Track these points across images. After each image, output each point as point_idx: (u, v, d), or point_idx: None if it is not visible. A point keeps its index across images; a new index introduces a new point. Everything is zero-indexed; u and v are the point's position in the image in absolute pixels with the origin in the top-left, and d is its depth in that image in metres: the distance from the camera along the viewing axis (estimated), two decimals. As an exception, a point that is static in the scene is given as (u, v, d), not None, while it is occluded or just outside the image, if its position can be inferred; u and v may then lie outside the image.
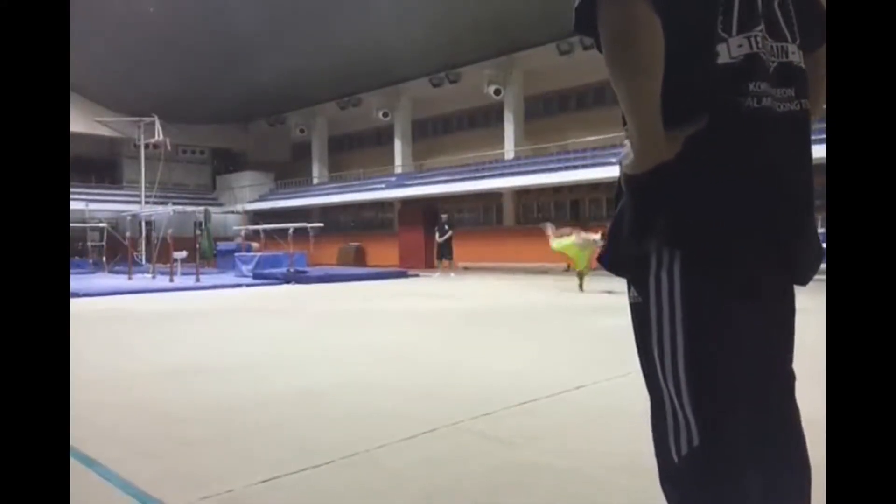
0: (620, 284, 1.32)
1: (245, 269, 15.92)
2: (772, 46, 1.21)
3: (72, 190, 12.64)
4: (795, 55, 1.27)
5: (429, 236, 20.94)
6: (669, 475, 1.24)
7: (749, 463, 1.17)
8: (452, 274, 16.62)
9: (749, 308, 1.16)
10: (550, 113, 23.63)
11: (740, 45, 1.15)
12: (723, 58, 1.13)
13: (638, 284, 1.21)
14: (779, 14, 1.24)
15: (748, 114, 1.14)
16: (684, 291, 1.13)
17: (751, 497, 1.16)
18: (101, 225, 22.02)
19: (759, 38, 1.17)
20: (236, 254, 17.70)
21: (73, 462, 2.20)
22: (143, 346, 5.71)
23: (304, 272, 15.26)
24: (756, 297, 1.17)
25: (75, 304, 8.43)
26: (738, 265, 1.14)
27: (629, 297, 1.27)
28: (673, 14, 1.08)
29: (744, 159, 1.14)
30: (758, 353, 1.19)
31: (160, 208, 21.07)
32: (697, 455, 1.15)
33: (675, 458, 1.20)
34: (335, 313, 6.15)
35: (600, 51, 1.18)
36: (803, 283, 1.30)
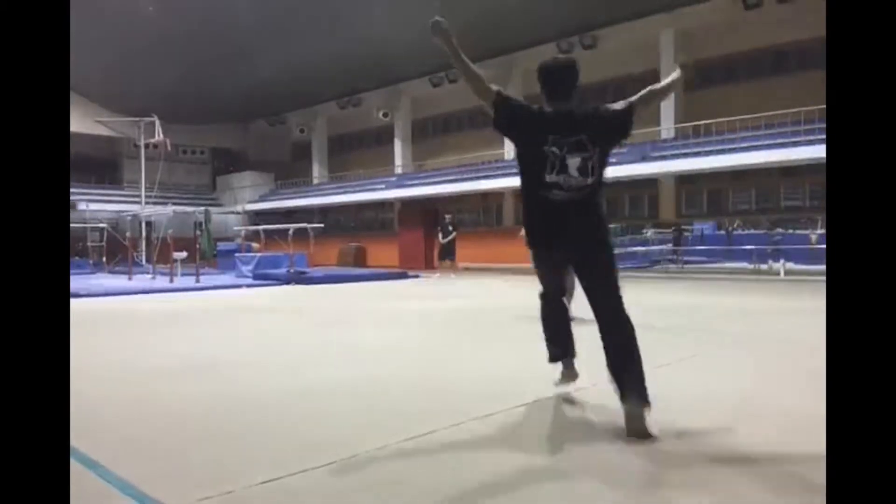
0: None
1: (245, 269, 15.91)
2: (565, 178, 2.92)
3: (72, 190, 12.66)
4: (576, 179, 2.93)
5: (429, 237, 20.92)
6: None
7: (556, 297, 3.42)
8: (453, 275, 16.49)
9: (541, 263, 3.29)
10: (550, 113, 23.62)
11: (551, 177, 2.93)
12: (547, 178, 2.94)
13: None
14: (571, 166, 2.92)
15: (549, 200, 2.96)
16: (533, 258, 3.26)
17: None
18: (101, 225, 22.00)
19: (561, 176, 2.92)
20: (236, 254, 17.69)
21: (73, 462, 2.19)
22: (142, 346, 5.71)
23: (304, 273, 15.25)
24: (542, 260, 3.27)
25: (75, 305, 8.43)
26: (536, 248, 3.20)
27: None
28: (524, 161, 3.17)
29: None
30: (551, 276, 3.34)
31: (160, 208, 21.07)
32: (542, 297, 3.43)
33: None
34: (335, 314, 6.15)
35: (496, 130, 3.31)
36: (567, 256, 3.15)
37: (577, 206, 2.93)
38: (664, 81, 3.27)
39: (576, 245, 3.03)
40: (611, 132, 3.07)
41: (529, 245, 3.20)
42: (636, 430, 2.75)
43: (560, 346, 3.38)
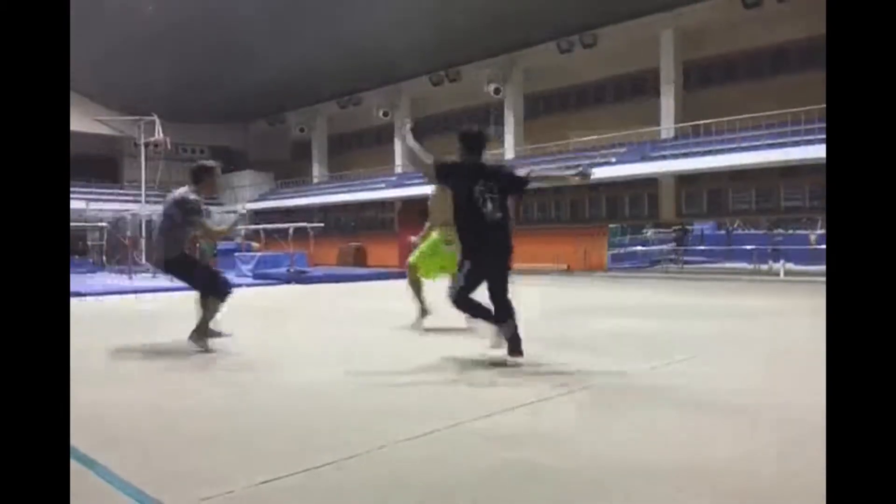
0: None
1: (245, 268, 15.91)
2: (489, 211, 4.37)
3: (72, 189, 12.63)
4: (493, 212, 4.38)
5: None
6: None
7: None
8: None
9: (477, 267, 4.43)
10: (550, 112, 23.59)
11: (484, 209, 4.36)
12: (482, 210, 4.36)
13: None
14: (490, 200, 4.37)
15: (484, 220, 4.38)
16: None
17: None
18: (101, 224, 21.98)
19: (486, 208, 4.36)
20: (236, 254, 17.68)
21: (73, 462, 2.19)
22: (142, 345, 5.71)
23: (304, 272, 15.25)
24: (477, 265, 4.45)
25: (75, 304, 8.42)
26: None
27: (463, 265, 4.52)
28: (459, 192, 4.50)
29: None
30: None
31: (160, 207, 21.03)
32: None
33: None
34: (335, 313, 6.14)
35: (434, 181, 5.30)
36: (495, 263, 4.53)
37: (497, 229, 4.43)
38: (561, 174, 5.24)
39: (499, 255, 4.53)
40: (510, 187, 4.61)
41: (468, 256, 4.52)
42: (516, 351, 4.41)
43: (488, 312, 4.54)
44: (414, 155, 4.67)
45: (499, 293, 4.47)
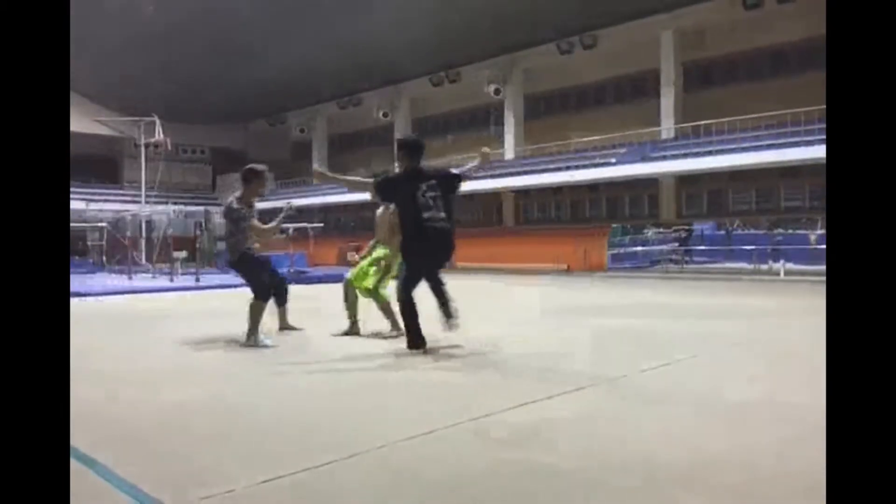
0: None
1: (245, 268, 15.89)
2: (433, 213, 4.72)
3: (72, 190, 12.65)
4: (438, 213, 4.76)
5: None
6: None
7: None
8: None
9: (419, 271, 4.90)
10: (550, 113, 23.61)
11: (427, 213, 4.70)
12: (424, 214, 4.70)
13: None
14: (432, 201, 4.74)
15: (427, 227, 4.72)
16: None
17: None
18: (101, 225, 21.99)
19: (431, 212, 4.72)
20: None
21: (73, 462, 2.19)
22: (142, 345, 5.71)
23: (304, 272, 15.25)
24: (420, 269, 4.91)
25: (75, 304, 8.43)
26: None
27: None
28: (403, 199, 4.85)
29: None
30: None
31: (160, 208, 21.05)
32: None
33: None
34: (335, 313, 6.14)
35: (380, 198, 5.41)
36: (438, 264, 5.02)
37: (443, 231, 4.79)
38: (475, 164, 5.37)
39: (442, 254, 4.97)
40: (448, 187, 4.92)
41: (411, 259, 4.92)
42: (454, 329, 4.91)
43: (420, 332, 4.87)
44: (353, 184, 5.28)
45: (439, 287, 4.94)
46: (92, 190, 27.27)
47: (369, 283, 5.74)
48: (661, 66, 19.70)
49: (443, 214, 4.76)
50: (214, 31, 22.22)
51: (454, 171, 5.11)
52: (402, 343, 5.08)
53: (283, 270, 15.28)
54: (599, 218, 20.68)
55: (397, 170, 5.13)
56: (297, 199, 28.34)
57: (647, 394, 3.59)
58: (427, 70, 24.42)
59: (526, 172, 21.04)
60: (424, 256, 4.87)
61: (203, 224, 18.15)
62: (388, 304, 5.66)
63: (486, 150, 5.42)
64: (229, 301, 10.35)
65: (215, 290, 12.28)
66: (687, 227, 18.80)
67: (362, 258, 5.99)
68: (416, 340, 4.85)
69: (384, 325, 5.78)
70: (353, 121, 29.26)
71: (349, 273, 6.00)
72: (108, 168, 31.65)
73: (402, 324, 5.22)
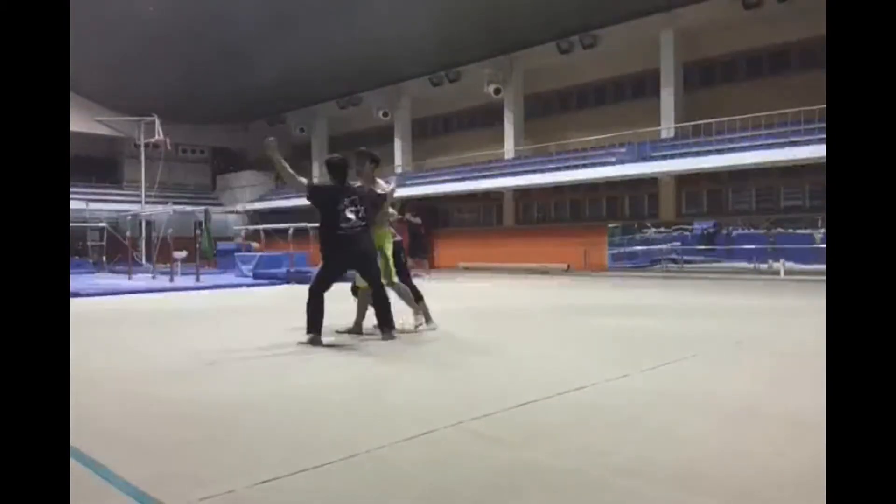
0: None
1: (245, 269, 15.91)
2: (350, 223, 5.48)
3: (72, 190, 12.66)
4: (359, 215, 5.53)
5: (428, 236, 20.88)
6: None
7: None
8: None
9: (333, 272, 5.59)
10: (550, 112, 23.60)
11: (343, 224, 5.46)
12: (340, 223, 5.47)
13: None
14: (352, 214, 5.50)
15: (339, 235, 5.49)
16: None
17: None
18: (101, 225, 21.99)
19: (347, 222, 5.47)
20: (236, 254, 17.68)
21: (73, 462, 2.19)
22: (143, 346, 5.71)
23: (304, 272, 15.25)
24: (333, 270, 5.62)
25: (75, 304, 8.43)
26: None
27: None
28: (324, 207, 5.54)
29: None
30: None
31: (160, 208, 21.05)
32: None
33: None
34: (335, 313, 6.15)
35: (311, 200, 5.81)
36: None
37: (357, 237, 5.53)
38: (394, 186, 6.29)
39: (359, 258, 5.64)
40: (371, 203, 5.70)
41: (325, 262, 5.56)
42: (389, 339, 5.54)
43: (320, 325, 5.42)
44: (290, 178, 5.63)
45: (381, 297, 5.71)
46: (92, 190, 27.26)
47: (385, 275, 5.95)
48: (661, 65, 19.68)
49: (361, 223, 5.52)
50: (215, 32, 22.20)
51: (379, 190, 5.89)
52: (403, 344, 5.09)
53: (283, 270, 15.33)
54: (599, 217, 20.67)
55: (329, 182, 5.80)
56: (297, 200, 28.43)
57: (647, 393, 3.59)
58: (427, 70, 24.39)
59: (526, 172, 21.03)
60: (335, 261, 5.59)
61: (203, 224, 18.14)
62: (409, 293, 6.14)
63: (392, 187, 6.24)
64: (230, 301, 10.36)
65: (216, 290, 12.30)
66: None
67: None
68: (312, 329, 5.38)
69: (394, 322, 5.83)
70: (353, 121, 29.23)
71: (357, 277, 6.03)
72: (108, 168, 31.63)
73: (409, 320, 6.09)
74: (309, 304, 5.44)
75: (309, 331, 5.38)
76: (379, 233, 5.97)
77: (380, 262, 5.84)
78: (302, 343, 5.32)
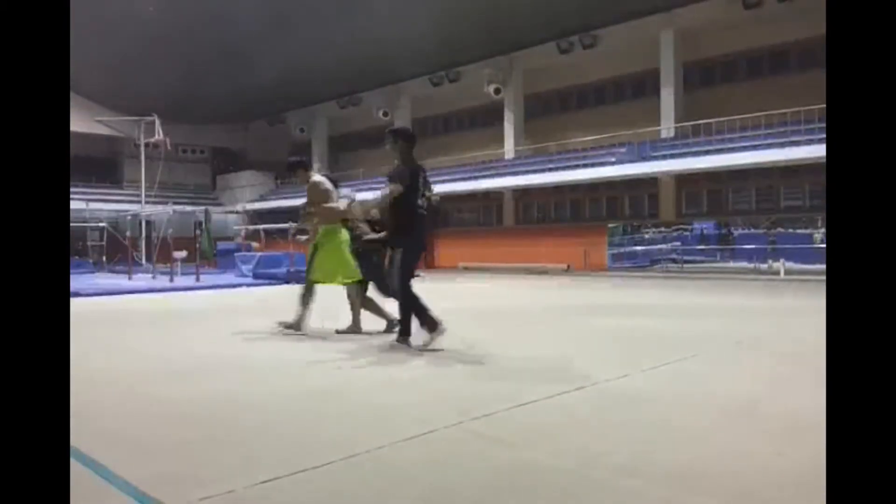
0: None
1: (245, 269, 15.90)
2: (423, 202, 5.22)
3: (72, 190, 12.66)
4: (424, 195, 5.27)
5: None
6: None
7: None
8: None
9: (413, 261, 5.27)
10: (550, 112, 23.60)
11: (421, 198, 5.21)
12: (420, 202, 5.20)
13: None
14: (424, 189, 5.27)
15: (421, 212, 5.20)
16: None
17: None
18: (101, 225, 21.99)
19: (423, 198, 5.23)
20: (236, 254, 17.68)
21: (73, 462, 2.19)
22: (143, 346, 5.71)
23: (304, 272, 15.25)
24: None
25: (75, 304, 8.42)
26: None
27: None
28: (410, 190, 5.11)
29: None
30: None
31: (160, 208, 21.04)
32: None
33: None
34: (335, 313, 6.14)
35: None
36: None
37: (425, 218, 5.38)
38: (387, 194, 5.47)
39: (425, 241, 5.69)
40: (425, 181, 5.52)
41: (409, 245, 5.27)
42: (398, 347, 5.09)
43: (433, 319, 5.02)
44: (383, 199, 5.25)
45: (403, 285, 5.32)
46: (92, 190, 27.27)
47: (350, 273, 5.87)
48: (661, 65, 19.68)
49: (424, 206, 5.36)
50: (215, 32, 22.20)
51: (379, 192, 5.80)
52: (403, 344, 5.08)
53: (283, 270, 15.33)
54: (599, 217, 20.67)
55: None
56: (298, 199, 28.44)
57: (648, 393, 3.59)
58: (427, 70, 24.40)
59: (526, 172, 21.03)
60: (418, 242, 5.46)
61: (203, 224, 18.14)
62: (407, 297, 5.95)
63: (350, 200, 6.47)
64: (230, 301, 10.35)
65: (216, 290, 12.29)
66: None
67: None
68: (426, 325, 5.02)
69: (382, 324, 5.81)
70: (353, 121, 29.25)
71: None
72: (108, 168, 31.63)
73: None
74: (406, 302, 5.03)
75: (427, 328, 4.95)
76: (327, 227, 5.92)
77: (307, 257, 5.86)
78: (419, 347, 4.96)
